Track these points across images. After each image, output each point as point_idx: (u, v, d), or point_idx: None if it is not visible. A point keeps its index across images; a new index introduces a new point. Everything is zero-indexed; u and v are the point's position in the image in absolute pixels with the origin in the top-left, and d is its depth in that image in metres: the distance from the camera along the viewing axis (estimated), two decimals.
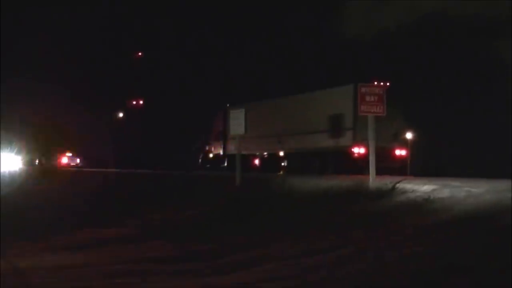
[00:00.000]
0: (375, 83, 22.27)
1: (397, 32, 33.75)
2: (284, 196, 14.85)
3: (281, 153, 26.44)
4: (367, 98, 13.99)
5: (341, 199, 13.19)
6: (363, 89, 14.06)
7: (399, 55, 36.22)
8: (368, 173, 13.75)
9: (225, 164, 29.51)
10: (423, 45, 35.33)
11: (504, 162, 23.01)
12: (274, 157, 26.92)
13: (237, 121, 18.22)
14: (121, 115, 49.39)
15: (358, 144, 21.81)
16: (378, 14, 33.90)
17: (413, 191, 12.29)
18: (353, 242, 9.18)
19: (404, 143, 22.76)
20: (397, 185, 12.94)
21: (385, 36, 34.29)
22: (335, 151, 22.60)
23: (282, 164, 26.25)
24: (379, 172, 19.07)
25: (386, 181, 13.39)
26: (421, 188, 12.31)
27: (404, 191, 12.46)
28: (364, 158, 21.81)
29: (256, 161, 28.38)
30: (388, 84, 22.99)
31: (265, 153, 27.86)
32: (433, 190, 11.92)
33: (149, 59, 54.87)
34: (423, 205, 11.11)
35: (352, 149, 21.36)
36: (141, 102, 50.94)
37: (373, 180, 13.44)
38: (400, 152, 22.55)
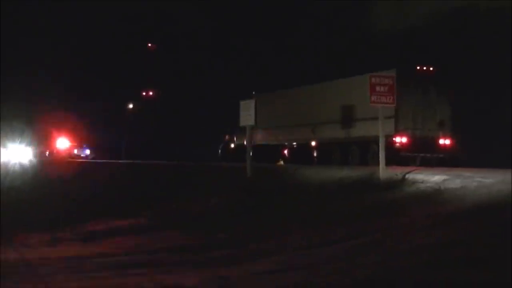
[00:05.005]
0: (418, 67, 22.03)
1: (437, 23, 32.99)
2: (294, 187, 14.90)
3: (313, 143, 25.68)
4: (377, 88, 13.90)
5: (352, 190, 13.23)
6: (373, 79, 13.95)
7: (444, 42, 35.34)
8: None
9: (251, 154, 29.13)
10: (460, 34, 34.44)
11: None
12: (304, 147, 26.17)
13: (247, 112, 18.03)
14: (131, 106, 49.37)
15: (400, 133, 21.04)
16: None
17: (423, 181, 12.28)
18: (362, 234, 9.24)
19: (449, 132, 21.90)
20: (407, 175, 12.95)
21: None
22: (376, 140, 21.78)
23: (314, 154, 25.45)
24: (422, 163, 18.77)
25: (397, 172, 13.40)
26: (431, 178, 12.29)
27: (414, 182, 12.46)
28: (407, 148, 21.15)
29: (285, 151, 27.91)
30: (432, 69, 22.49)
31: (294, 143, 27.23)
32: (444, 180, 11.90)
33: (166, 48, 54.52)
34: (432, 196, 11.11)
35: (394, 139, 20.55)
36: (152, 93, 50.83)
37: (383, 171, 13.41)
38: (444, 141, 21.78)
